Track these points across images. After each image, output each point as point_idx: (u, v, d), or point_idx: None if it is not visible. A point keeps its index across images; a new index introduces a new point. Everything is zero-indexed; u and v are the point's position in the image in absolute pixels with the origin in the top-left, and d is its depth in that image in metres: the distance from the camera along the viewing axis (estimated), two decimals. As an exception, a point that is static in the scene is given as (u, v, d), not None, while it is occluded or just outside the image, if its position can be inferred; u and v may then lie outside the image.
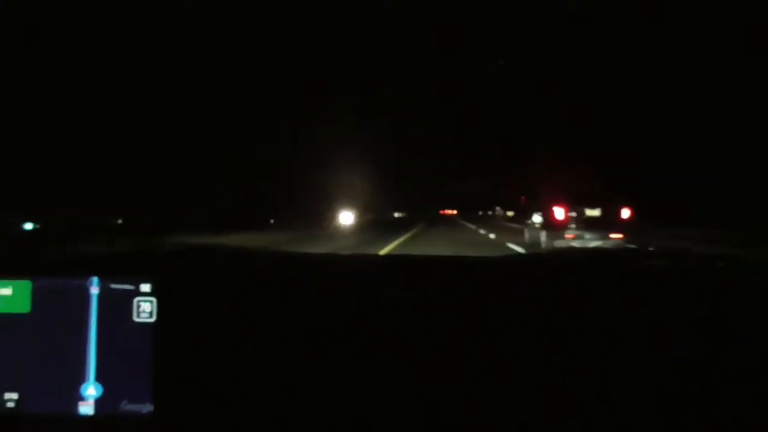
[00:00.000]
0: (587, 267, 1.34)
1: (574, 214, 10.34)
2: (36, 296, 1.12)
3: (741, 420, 1.00)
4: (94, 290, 1.12)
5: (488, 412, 1.04)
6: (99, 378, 1.10)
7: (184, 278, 1.15)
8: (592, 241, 9.76)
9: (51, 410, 1.09)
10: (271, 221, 30.39)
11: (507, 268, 1.36)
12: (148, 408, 1.08)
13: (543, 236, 11.23)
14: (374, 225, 30.83)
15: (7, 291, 1.13)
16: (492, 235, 18.00)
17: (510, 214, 44.83)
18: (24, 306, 1.12)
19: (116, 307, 1.11)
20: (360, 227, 26.60)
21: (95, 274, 1.12)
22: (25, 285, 1.13)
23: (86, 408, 1.09)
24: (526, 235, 13.51)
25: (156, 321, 1.10)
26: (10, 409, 1.10)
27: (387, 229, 24.64)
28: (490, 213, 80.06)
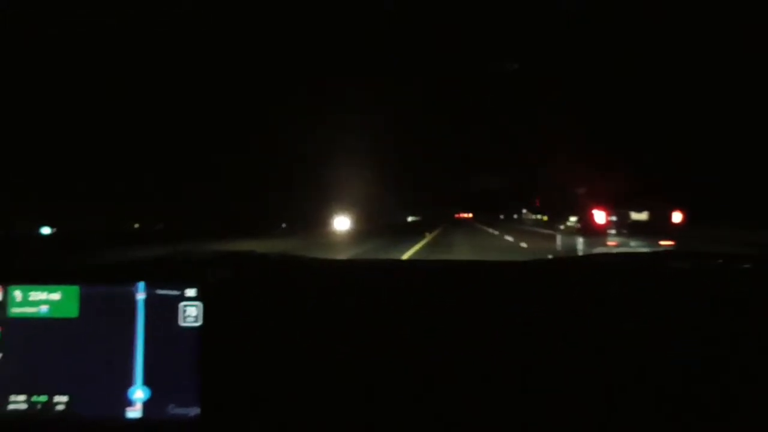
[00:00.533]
0: (622, 271, 1.33)
1: (615, 218, 9.04)
2: (84, 301, 1.14)
3: (742, 420, 1.00)
4: (141, 295, 1.14)
5: (494, 414, 1.05)
6: (146, 382, 1.11)
7: (228, 283, 1.16)
8: (638, 250, 8.34)
9: (99, 413, 1.11)
10: (283, 225, 30.81)
11: (514, 271, 1.36)
12: (195, 411, 1.09)
13: (580, 243, 9.84)
14: (379, 232, 28.06)
15: (55, 296, 1.15)
16: (523, 244, 16.39)
17: (538, 217, 39.77)
18: (72, 311, 1.14)
19: (162, 311, 1.13)
20: (360, 234, 24.58)
21: (141, 280, 1.14)
22: (73, 290, 1.15)
23: (134, 412, 1.11)
24: (558, 241, 11.89)
25: (202, 325, 1.12)
26: (60, 411, 1.12)
27: (394, 237, 22.29)
28: (515, 216, 71.68)
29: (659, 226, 8.77)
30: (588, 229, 9.38)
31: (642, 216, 9.01)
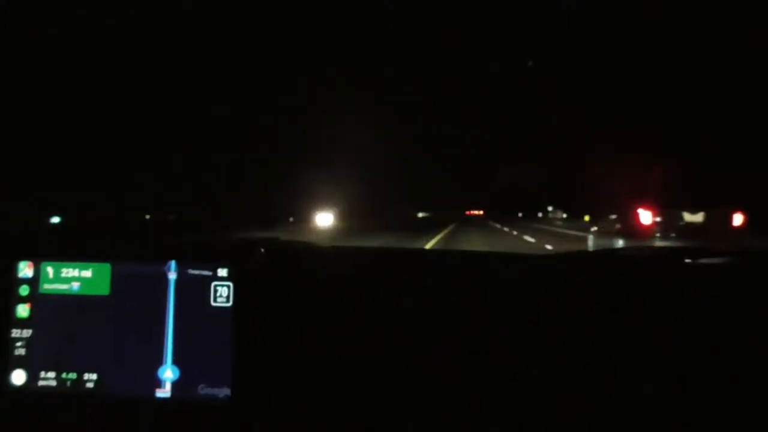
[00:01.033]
0: (631, 267, 1.29)
1: (660, 219, 7.94)
2: (115, 279, 1.14)
3: (744, 420, 0.99)
4: (172, 275, 1.13)
5: (499, 410, 1.05)
6: (176, 361, 1.11)
7: (260, 266, 1.15)
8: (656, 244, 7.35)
9: (129, 392, 1.11)
10: (291, 219, 31.33)
11: (523, 265, 1.35)
12: (225, 392, 1.09)
13: (620, 245, 8.07)
14: (374, 230, 24.12)
15: (87, 273, 1.15)
16: (549, 246, 14.38)
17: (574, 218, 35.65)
18: (103, 288, 1.14)
19: (194, 291, 1.12)
20: (346, 232, 21.76)
21: (173, 259, 1.13)
22: (105, 268, 1.14)
23: (163, 391, 1.10)
24: (590, 243, 10.41)
25: (233, 305, 1.11)
26: (89, 389, 1.12)
27: (399, 236, 19.88)
28: (540, 215, 63.12)
29: (717, 229, 7.69)
30: (630, 230, 8.21)
31: (697, 218, 7.92)
